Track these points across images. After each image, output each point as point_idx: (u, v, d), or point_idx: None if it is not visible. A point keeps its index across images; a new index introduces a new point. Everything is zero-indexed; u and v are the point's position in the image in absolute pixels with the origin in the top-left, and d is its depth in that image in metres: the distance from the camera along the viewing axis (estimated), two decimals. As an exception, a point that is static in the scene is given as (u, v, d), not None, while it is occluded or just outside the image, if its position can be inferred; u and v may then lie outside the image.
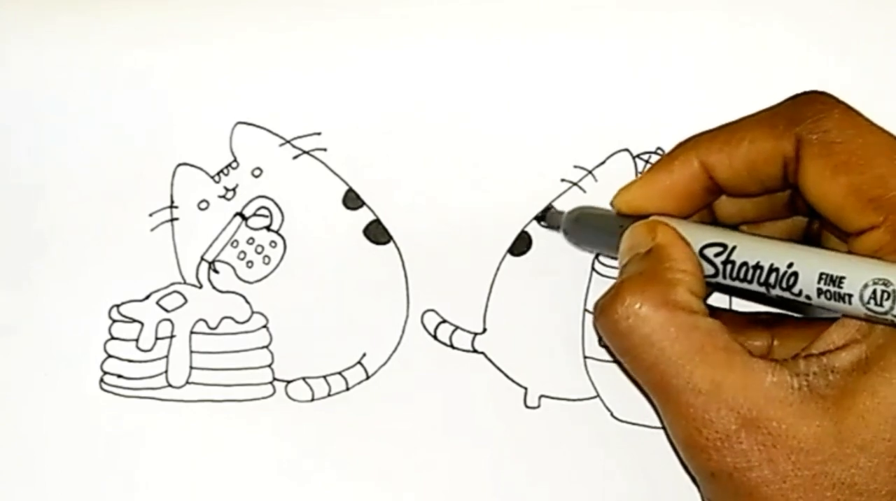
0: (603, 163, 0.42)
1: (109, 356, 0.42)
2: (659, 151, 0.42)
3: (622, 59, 0.42)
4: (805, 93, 0.34)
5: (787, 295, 0.33)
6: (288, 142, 0.42)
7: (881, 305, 0.30)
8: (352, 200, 0.42)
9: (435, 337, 0.42)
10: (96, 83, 0.42)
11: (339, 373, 0.42)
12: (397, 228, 0.42)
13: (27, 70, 0.42)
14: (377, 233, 0.42)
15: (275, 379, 0.42)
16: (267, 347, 0.42)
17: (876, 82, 0.42)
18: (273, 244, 0.42)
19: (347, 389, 0.42)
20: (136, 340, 0.42)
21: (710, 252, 0.34)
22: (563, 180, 0.42)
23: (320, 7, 0.43)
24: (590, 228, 0.39)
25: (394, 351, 0.42)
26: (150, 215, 0.42)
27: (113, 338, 0.42)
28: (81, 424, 0.41)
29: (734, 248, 0.34)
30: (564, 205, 0.42)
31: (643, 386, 0.34)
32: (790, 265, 0.32)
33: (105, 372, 0.41)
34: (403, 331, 0.42)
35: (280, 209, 0.42)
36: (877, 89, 0.41)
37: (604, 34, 0.42)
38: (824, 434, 0.31)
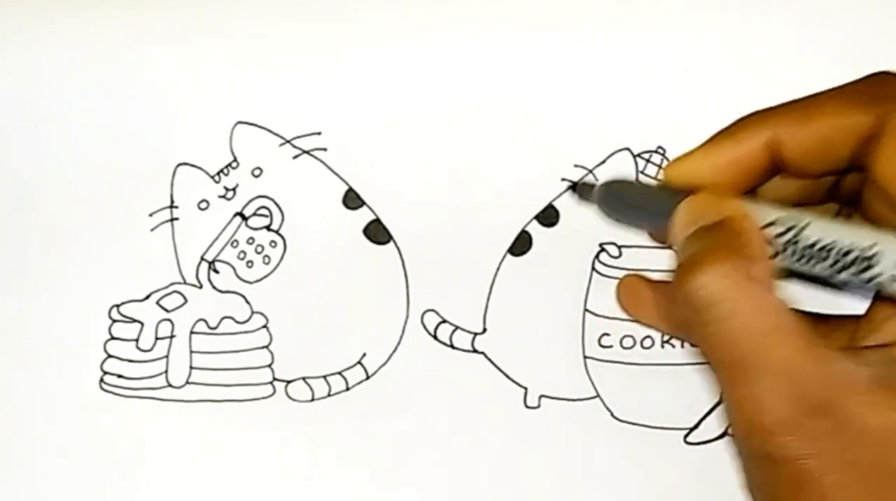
0: (603, 162, 0.42)
1: (109, 356, 0.42)
2: (660, 150, 0.42)
3: (623, 59, 0.42)
4: (883, 73, 0.33)
5: (855, 279, 0.32)
6: (288, 141, 0.42)
7: None
8: (352, 200, 0.42)
9: (435, 337, 0.42)
10: (96, 83, 0.42)
11: (339, 373, 0.42)
12: (397, 228, 0.42)
13: (27, 70, 0.42)
14: (377, 232, 0.42)
15: (275, 379, 0.42)
16: (267, 347, 0.42)
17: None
18: (273, 244, 0.42)
19: (347, 389, 0.42)
20: (136, 340, 0.42)
21: (770, 231, 0.32)
22: (563, 180, 0.42)
23: (320, 7, 0.43)
24: (628, 200, 0.37)
25: (394, 351, 0.42)
26: (150, 215, 0.42)
27: (113, 338, 0.42)
28: (81, 424, 0.41)
29: (807, 225, 0.32)
30: (565, 204, 0.42)
31: (711, 361, 0.32)
32: (872, 246, 0.31)
33: (105, 372, 0.42)
34: (403, 331, 0.42)
35: (280, 209, 0.42)
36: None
37: (604, 34, 0.42)
38: (892, 426, 0.31)
